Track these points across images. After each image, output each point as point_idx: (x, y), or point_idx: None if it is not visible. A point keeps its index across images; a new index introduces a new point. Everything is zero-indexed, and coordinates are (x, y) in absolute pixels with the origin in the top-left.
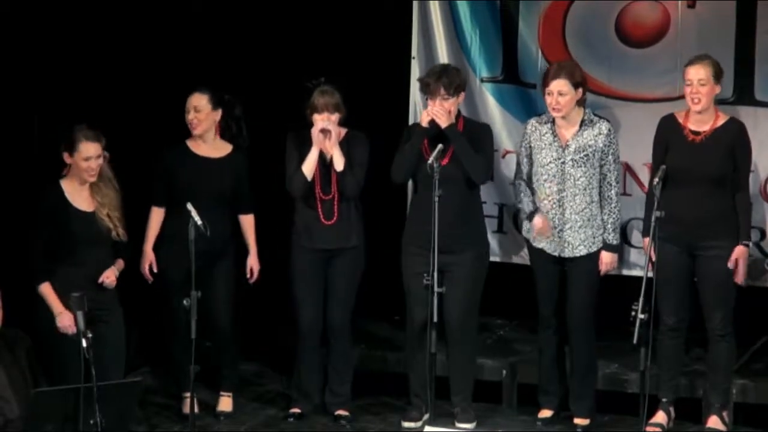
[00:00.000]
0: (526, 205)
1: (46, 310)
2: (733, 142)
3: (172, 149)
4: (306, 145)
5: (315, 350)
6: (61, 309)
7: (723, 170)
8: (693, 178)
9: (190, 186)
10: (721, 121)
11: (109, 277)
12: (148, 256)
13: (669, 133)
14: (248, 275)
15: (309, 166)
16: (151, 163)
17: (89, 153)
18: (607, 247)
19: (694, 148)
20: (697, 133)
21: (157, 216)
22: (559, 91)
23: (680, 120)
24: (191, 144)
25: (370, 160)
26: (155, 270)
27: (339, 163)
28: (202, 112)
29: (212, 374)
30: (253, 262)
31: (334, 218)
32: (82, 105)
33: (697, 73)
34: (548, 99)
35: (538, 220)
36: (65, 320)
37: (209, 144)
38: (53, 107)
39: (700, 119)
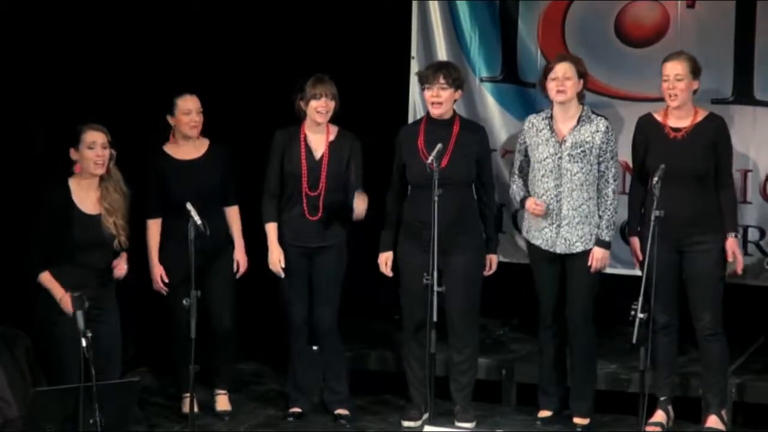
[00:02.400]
0: (516, 194)
1: (45, 309)
2: (714, 137)
3: (155, 159)
4: (294, 143)
5: (307, 347)
6: (62, 293)
7: (705, 165)
8: (677, 174)
9: (181, 193)
10: (700, 117)
11: (121, 268)
12: (158, 269)
13: (648, 132)
14: (234, 269)
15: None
16: (143, 168)
17: (93, 139)
18: (599, 243)
19: (675, 145)
20: (677, 130)
21: (155, 228)
22: (565, 74)
23: (659, 118)
24: (171, 150)
25: (368, 160)
26: (166, 280)
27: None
28: (200, 114)
29: (211, 374)
30: (239, 255)
31: (319, 214)
32: (81, 105)
33: (674, 68)
34: (552, 84)
35: (530, 202)
36: (69, 303)
37: (191, 145)
38: (52, 107)
39: (680, 115)
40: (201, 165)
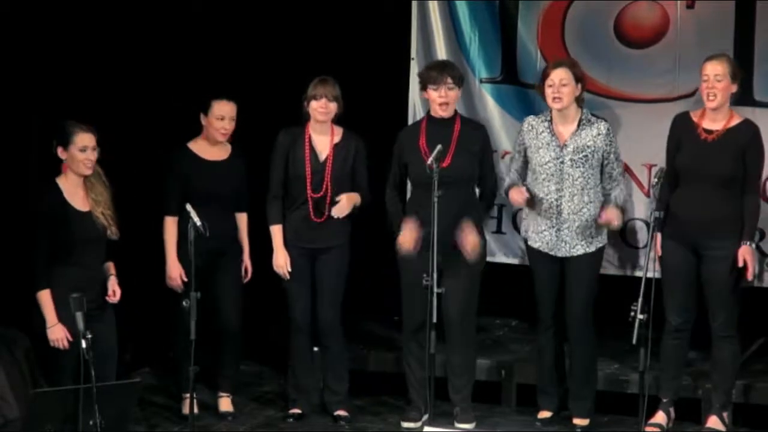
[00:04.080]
0: (506, 183)
1: None
2: (745, 143)
3: (179, 156)
4: (298, 144)
5: (309, 347)
6: (54, 321)
7: (733, 170)
8: (703, 176)
9: (201, 190)
10: (735, 122)
11: (116, 292)
12: (176, 267)
13: (682, 131)
14: (243, 274)
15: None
16: (151, 164)
17: (85, 143)
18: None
19: (705, 147)
20: (710, 132)
21: (172, 226)
22: (561, 81)
23: (694, 119)
24: (195, 148)
25: (369, 161)
26: (185, 279)
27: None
28: (233, 122)
29: (212, 374)
30: (246, 260)
31: (324, 217)
32: (81, 105)
33: (714, 68)
34: (549, 91)
35: (513, 193)
36: (57, 333)
37: (215, 147)
38: (52, 108)
39: (714, 118)
40: (224, 167)
